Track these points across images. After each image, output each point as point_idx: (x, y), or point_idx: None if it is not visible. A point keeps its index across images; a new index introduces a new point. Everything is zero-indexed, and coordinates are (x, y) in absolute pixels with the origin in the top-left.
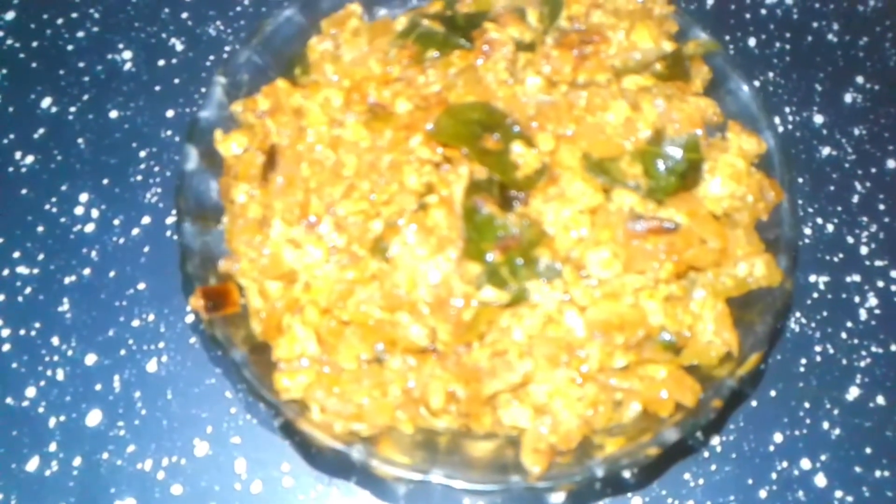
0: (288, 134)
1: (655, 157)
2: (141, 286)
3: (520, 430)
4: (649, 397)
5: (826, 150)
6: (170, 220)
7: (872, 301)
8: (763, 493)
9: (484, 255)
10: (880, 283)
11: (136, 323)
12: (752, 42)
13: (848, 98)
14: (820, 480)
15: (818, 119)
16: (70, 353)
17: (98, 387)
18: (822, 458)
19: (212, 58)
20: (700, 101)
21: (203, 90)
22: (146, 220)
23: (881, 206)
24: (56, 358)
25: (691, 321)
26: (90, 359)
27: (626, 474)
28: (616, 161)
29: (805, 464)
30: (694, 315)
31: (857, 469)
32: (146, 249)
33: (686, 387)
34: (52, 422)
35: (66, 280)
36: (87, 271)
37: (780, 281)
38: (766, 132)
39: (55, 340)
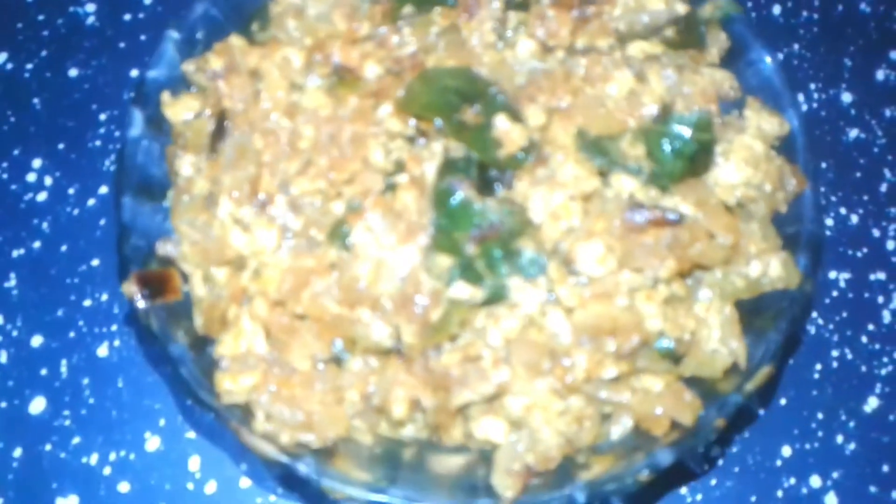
0: (243, 99)
1: (661, 136)
2: (95, 262)
3: (493, 445)
4: (642, 413)
5: (854, 133)
6: None
7: None
8: None
9: (457, 246)
10: None
11: (87, 303)
12: (776, 9)
13: (880, 75)
14: (831, 500)
15: (846, 98)
16: (15, 333)
17: (43, 371)
18: (835, 475)
19: (183, 13)
20: (716, 73)
21: None
22: (103, 189)
23: None
24: None
25: (694, 326)
26: (36, 340)
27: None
28: (616, 140)
29: (815, 481)
30: (698, 319)
31: (873, 489)
32: (102, 222)
33: (684, 402)
34: None
35: (14, 253)
36: (37, 244)
37: (798, 283)
38: (789, 111)
39: None
